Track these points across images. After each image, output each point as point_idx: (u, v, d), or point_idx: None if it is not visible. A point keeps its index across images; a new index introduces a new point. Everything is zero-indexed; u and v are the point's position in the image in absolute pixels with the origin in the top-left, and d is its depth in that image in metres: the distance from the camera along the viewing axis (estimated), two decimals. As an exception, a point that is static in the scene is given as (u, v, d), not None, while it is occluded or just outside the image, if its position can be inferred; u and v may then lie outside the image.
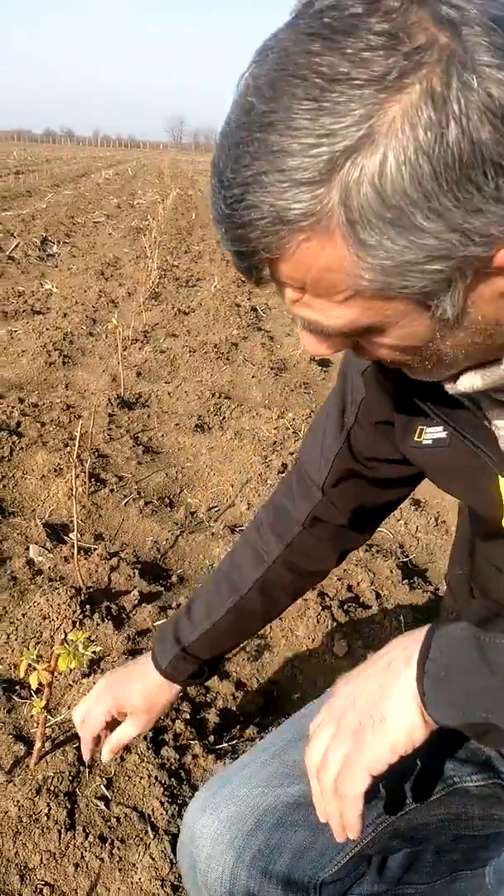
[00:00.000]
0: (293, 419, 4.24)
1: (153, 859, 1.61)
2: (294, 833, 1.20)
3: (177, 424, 4.30)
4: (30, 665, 1.69)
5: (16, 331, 5.94)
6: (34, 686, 1.68)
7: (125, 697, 1.42)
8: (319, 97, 0.66)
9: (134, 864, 1.61)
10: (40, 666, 1.69)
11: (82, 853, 1.63)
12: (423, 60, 0.65)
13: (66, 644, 1.66)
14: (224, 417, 4.46)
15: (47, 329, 5.88)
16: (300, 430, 4.11)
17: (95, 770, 1.81)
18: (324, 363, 5.74)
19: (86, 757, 1.49)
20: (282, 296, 0.82)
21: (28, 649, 1.72)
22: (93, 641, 1.69)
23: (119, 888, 1.58)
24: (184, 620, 1.42)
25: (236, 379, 5.18)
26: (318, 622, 2.50)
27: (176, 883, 1.59)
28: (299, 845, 1.19)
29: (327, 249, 0.72)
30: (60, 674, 2.12)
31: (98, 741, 1.47)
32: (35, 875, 1.60)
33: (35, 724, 1.93)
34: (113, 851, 1.64)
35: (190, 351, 5.54)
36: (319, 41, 0.67)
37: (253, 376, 5.16)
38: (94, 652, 1.70)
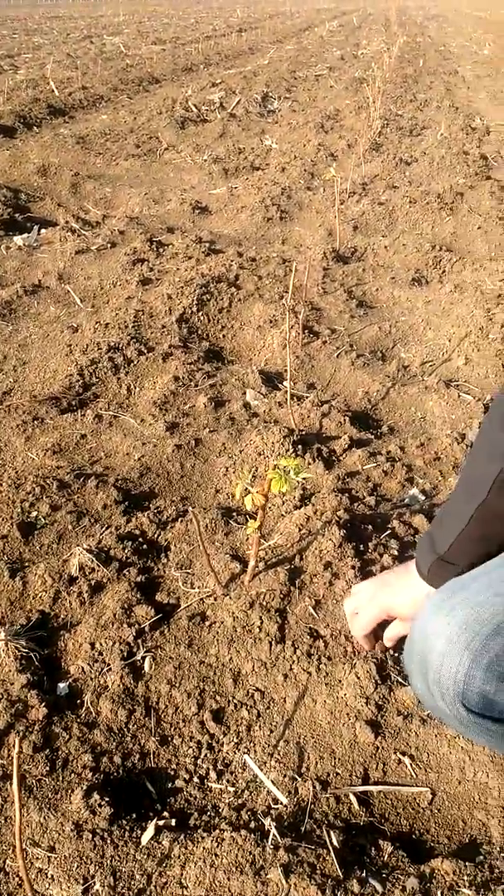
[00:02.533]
0: (521, 271, 3.93)
1: (358, 678, 1.66)
2: None
3: (392, 278, 4.14)
4: (245, 489, 1.74)
5: (235, 187, 5.92)
6: (249, 508, 1.74)
7: (394, 607, 1.53)
8: None
9: (340, 681, 1.67)
10: (254, 489, 1.74)
11: (291, 665, 1.71)
12: None
13: (277, 469, 1.69)
14: (444, 271, 4.23)
15: (265, 184, 5.81)
16: (528, 284, 3.81)
17: (305, 591, 1.88)
18: None
19: (364, 647, 1.72)
20: None
21: (243, 473, 1.77)
22: (302, 470, 1.71)
23: (325, 701, 1.65)
24: (437, 530, 1.42)
25: (459, 231, 4.87)
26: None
27: (380, 703, 1.63)
28: None
29: None
30: (276, 497, 2.19)
31: (369, 639, 1.68)
32: (247, 681, 1.71)
33: (249, 546, 2.02)
34: (320, 667, 1.70)
35: (410, 202, 5.25)
36: None
37: (479, 227, 4.82)
38: (304, 478, 1.72)
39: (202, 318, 3.61)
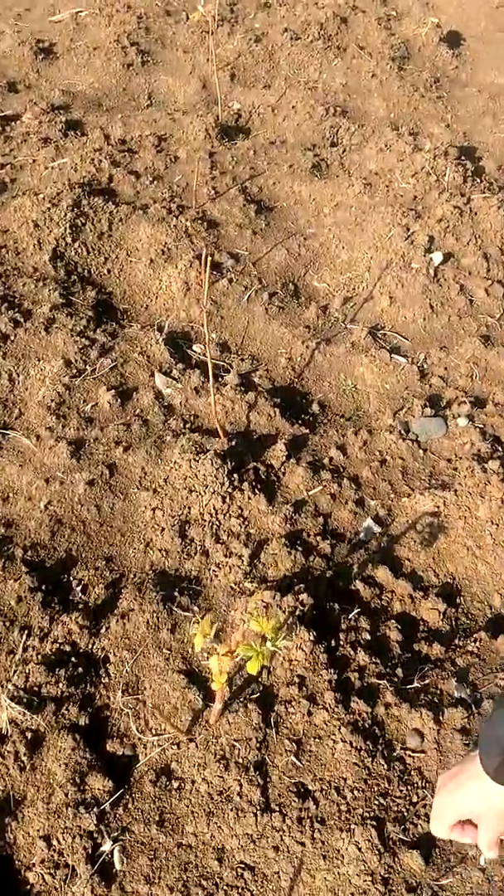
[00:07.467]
0: (433, 152, 3.46)
1: (360, 850, 1.50)
2: None
3: (290, 166, 3.59)
4: (210, 645, 1.47)
5: (79, 12, 4.89)
6: (215, 672, 1.47)
7: (464, 811, 1.25)
8: None
9: (339, 852, 1.51)
10: (221, 649, 1.46)
11: (281, 836, 1.54)
12: None
13: (251, 643, 1.41)
14: (344, 150, 3.71)
15: (117, 12, 4.81)
16: (443, 173, 3.39)
17: (282, 729, 1.66)
18: (453, 43, 4.68)
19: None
20: None
21: (202, 624, 1.48)
22: (281, 636, 1.43)
23: (325, 877, 1.50)
24: (501, 727, 1.18)
25: (351, 81, 4.25)
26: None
27: (386, 875, 1.50)
28: None
29: None
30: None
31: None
32: (233, 857, 1.52)
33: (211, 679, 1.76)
34: (314, 836, 1.53)
35: (292, 38, 4.49)
36: None
37: (372, 75, 4.22)
38: (284, 647, 1.44)
39: (79, 249, 3.03)
